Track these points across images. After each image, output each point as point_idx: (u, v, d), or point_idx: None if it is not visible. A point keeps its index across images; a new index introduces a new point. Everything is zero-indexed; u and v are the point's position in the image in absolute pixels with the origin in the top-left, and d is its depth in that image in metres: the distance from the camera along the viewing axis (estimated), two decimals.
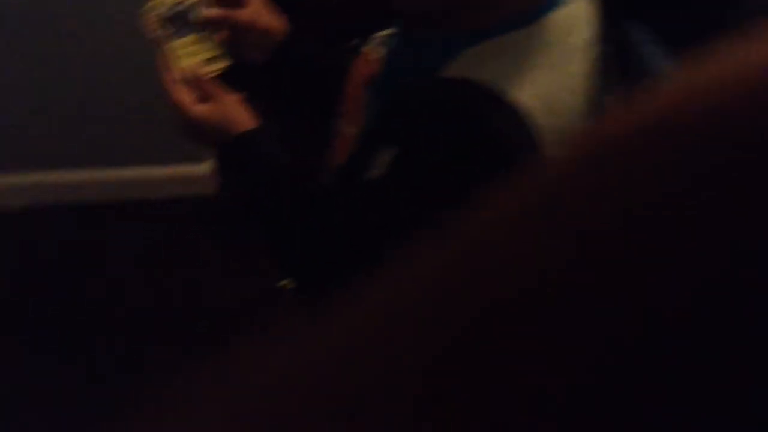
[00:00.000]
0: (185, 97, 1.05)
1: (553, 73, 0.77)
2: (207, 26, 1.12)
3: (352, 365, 0.25)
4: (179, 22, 1.11)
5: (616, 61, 0.82)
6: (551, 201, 0.24)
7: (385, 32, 0.99)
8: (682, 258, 0.21)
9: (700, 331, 0.21)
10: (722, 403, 0.21)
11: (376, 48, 1.00)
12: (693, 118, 0.22)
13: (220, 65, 1.12)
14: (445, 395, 0.23)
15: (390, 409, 0.24)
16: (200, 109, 1.04)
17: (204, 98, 1.06)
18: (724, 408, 0.21)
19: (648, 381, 0.21)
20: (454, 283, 0.25)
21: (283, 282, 1.10)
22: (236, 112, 1.05)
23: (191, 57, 1.11)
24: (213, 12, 1.11)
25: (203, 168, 2.32)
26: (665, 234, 0.21)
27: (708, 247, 0.21)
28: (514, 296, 0.23)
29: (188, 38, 1.11)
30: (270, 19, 1.14)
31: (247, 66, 1.15)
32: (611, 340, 0.21)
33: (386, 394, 0.24)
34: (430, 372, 0.24)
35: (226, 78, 1.10)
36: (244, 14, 1.13)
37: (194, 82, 1.07)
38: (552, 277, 0.23)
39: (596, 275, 0.22)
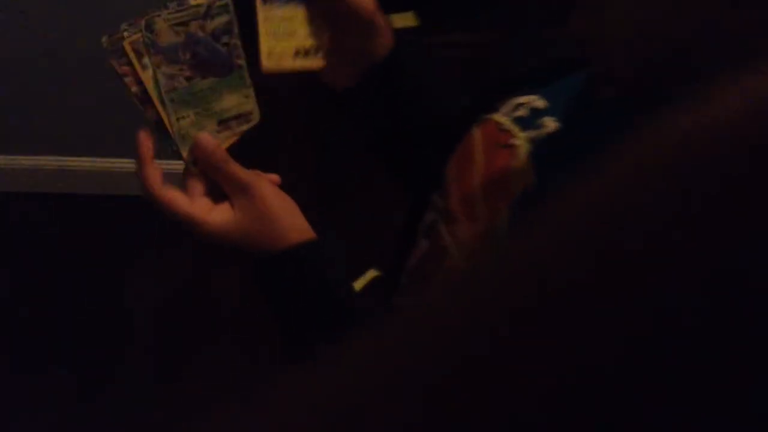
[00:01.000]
0: (197, 207, 0.70)
1: None
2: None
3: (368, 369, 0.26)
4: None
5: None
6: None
7: (536, 101, 0.64)
8: (682, 259, 0.21)
9: (700, 330, 0.21)
10: (722, 403, 0.21)
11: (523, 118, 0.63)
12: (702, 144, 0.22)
13: (253, 118, 0.75)
14: (448, 396, 0.23)
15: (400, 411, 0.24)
16: (217, 218, 0.70)
17: (216, 190, 0.72)
18: (724, 408, 0.21)
19: (648, 381, 0.21)
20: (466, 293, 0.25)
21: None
22: (280, 218, 0.71)
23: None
24: None
25: None
26: (666, 235, 0.21)
27: (707, 248, 0.21)
28: (516, 297, 0.23)
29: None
30: (384, 19, 0.78)
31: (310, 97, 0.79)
32: (611, 341, 0.21)
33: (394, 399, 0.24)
34: (434, 373, 0.24)
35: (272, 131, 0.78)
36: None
37: (206, 160, 0.71)
38: (554, 278, 0.22)
39: (596, 276, 0.22)
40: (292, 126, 0.84)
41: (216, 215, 0.71)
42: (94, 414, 1.73)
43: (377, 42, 0.77)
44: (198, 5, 0.71)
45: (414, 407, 0.24)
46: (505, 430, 0.23)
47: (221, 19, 0.72)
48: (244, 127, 0.76)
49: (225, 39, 0.73)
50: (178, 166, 0.73)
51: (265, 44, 0.75)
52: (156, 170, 0.71)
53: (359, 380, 0.27)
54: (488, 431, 0.23)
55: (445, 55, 1.00)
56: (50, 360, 1.86)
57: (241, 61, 0.74)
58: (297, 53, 0.76)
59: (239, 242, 0.70)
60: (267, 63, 0.75)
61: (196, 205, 0.71)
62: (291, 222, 0.71)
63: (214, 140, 0.72)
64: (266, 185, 0.72)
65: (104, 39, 0.69)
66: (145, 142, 0.71)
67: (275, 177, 0.75)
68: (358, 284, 0.84)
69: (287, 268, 0.70)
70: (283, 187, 0.74)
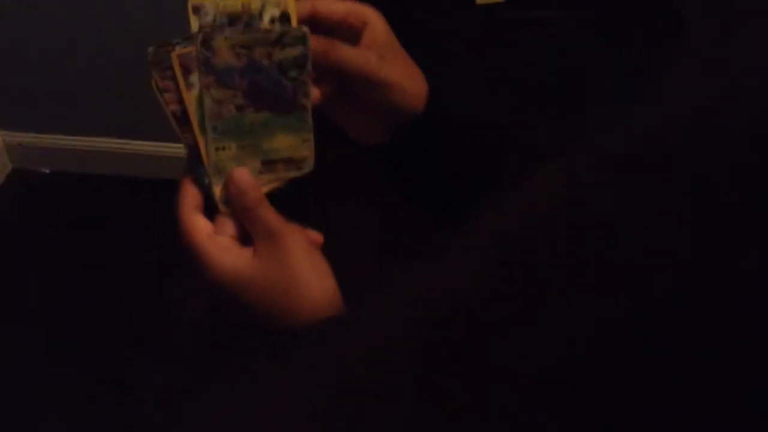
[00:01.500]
0: (215, 242, 0.61)
1: None
2: (300, 63, 0.62)
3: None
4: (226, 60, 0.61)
5: None
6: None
7: None
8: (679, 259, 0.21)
9: (699, 331, 0.21)
10: (722, 403, 0.21)
11: None
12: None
13: (306, 166, 0.65)
14: (442, 394, 0.24)
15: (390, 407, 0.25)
16: (231, 260, 0.60)
17: (246, 238, 0.62)
18: (724, 408, 0.21)
19: (647, 381, 0.21)
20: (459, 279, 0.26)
21: None
22: (304, 279, 0.60)
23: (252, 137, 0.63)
24: (316, 40, 0.63)
25: None
26: (664, 236, 0.22)
27: (705, 250, 0.21)
28: (514, 294, 0.24)
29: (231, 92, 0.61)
30: (405, 71, 0.66)
31: (346, 157, 0.71)
32: (611, 341, 0.22)
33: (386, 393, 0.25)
34: (427, 371, 0.24)
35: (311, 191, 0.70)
36: (364, 58, 0.64)
37: (238, 198, 0.62)
38: (553, 276, 0.23)
39: (596, 275, 0.22)
40: (343, 180, 0.74)
41: (231, 257, 0.60)
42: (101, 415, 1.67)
43: (400, 97, 0.66)
44: (269, 30, 0.62)
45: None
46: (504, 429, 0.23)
47: (293, 51, 0.63)
48: (293, 174, 0.65)
49: (293, 73, 0.63)
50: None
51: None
52: (190, 190, 0.62)
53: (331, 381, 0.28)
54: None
55: (529, 35, 0.86)
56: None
57: (307, 102, 0.64)
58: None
59: (248, 295, 0.60)
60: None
61: (215, 241, 0.61)
62: (316, 286, 0.60)
63: (252, 179, 0.63)
64: (298, 238, 0.61)
65: (150, 49, 0.60)
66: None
67: (317, 236, 0.65)
68: None
69: (304, 344, 0.57)
70: (327, 248, 0.63)
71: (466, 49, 0.86)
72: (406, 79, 0.66)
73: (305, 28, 0.62)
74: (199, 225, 0.61)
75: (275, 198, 0.64)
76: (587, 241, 0.24)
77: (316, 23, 0.64)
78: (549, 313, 0.23)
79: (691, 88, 0.26)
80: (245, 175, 0.62)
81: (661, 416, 0.21)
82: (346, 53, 0.64)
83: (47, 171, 2.24)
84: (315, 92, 0.65)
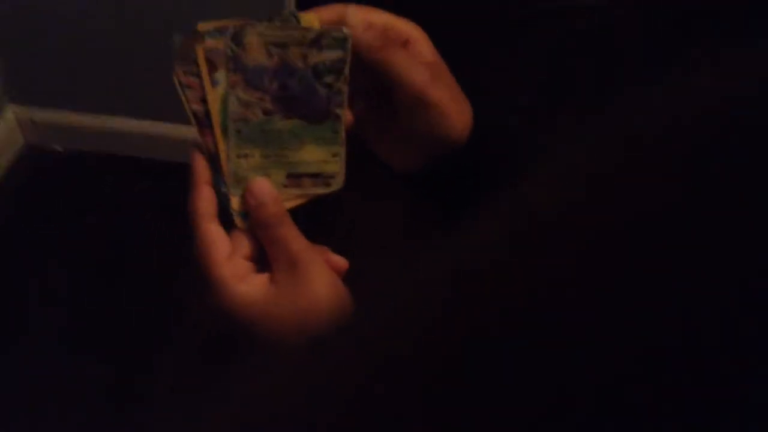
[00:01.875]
0: (232, 266, 0.55)
1: None
2: (336, 74, 0.56)
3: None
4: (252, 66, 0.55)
5: None
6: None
7: None
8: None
9: (699, 331, 0.21)
10: (722, 403, 0.20)
11: None
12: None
13: (335, 183, 0.60)
14: (441, 401, 0.24)
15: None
16: (246, 289, 0.54)
17: (264, 259, 0.57)
18: (724, 408, 0.20)
19: (648, 380, 0.21)
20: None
21: None
22: (323, 312, 0.54)
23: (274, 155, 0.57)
24: (371, 33, 0.57)
25: None
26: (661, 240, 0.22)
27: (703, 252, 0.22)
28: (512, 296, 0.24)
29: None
30: (453, 96, 0.60)
31: (385, 183, 0.64)
32: (611, 341, 0.22)
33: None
34: (426, 372, 0.25)
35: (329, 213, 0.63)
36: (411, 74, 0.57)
37: (258, 212, 0.56)
38: (553, 276, 0.24)
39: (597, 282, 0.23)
40: (372, 199, 0.67)
41: (245, 287, 0.54)
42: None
43: (445, 124, 0.59)
44: (307, 29, 0.56)
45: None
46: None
47: (331, 54, 0.56)
48: (320, 191, 0.59)
49: (329, 79, 0.57)
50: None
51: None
52: (209, 195, 0.56)
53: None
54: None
55: (559, 25, 0.79)
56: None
57: (341, 112, 0.58)
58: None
59: (257, 327, 0.54)
60: (260, 191, 0.58)
61: (232, 265, 0.55)
62: (337, 320, 0.53)
63: (274, 191, 0.57)
64: (321, 267, 0.55)
65: (176, 38, 0.54)
66: (200, 161, 0.57)
67: (341, 261, 0.58)
68: None
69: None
70: (349, 277, 0.57)
71: (508, 66, 0.80)
72: (453, 104, 0.59)
73: (347, 31, 0.56)
74: (217, 242, 0.55)
75: (297, 215, 0.58)
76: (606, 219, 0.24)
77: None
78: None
79: (701, 86, 0.26)
80: (266, 186, 0.57)
81: (661, 416, 0.21)
82: (401, 57, 0.56)
83: (60, 149, 2.19)
84: (347, 114, 0.59)
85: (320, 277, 0.54)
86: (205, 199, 0.56)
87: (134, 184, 2.12)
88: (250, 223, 0.57)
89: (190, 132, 0.57)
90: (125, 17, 1.91)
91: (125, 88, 2.06)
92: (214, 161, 0.57)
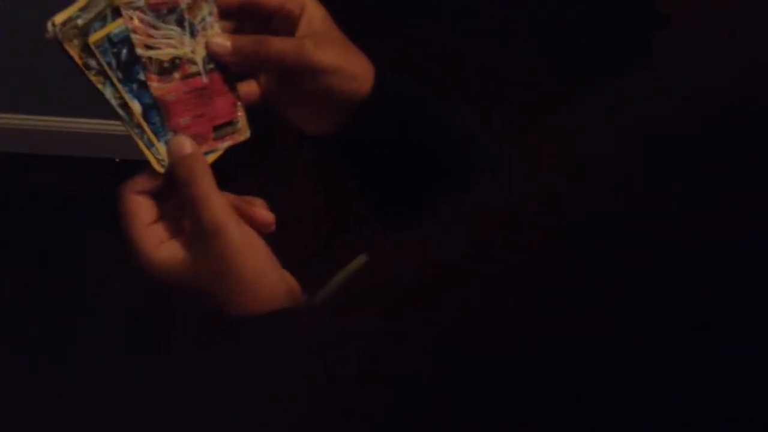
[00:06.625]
0: (150, 233, 0.57)
1: None
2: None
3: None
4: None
5: None
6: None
7: None
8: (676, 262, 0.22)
9: (698, 332, 0.21)
10: (722, 404, 0.20)
11: None
12: None
13: (233, 139, 0.63)
14: (433, 401, 0.24)
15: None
16: (163, 256, 0.57)
17: (179, 229, 0.58)
18: (724, 408, 0.20)
19: (647, 381, 0.21)
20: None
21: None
22: (251, 270, 0.56)
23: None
24: (244, 41, 0.62)
25: None
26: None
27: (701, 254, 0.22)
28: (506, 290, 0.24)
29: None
30: (343, 55, 0.64)
31: (294, 146, 0.69)
32: (610, 341, 0.21)
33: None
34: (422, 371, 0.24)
35: (243, 172, 0.68)
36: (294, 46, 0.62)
37: (180, 169, 0.58)
38: (544, 275, 0.23)
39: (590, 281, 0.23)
40: (288, 165, 0.70)
41: (163, 253, 0.57)
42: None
43: (338, 81, 0.63)
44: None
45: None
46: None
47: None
48: (235, 139, 0.63)
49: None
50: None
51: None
52: (146, 175, 0.59)
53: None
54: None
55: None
56: None
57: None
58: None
59: (179, 290, 0.57)
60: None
61: (151, 232, 0.57)
62: (268, 274, 0.57)
63: (187, 149, 0.59)
64: (235, 227, 0.56)
65: (49, 28, 0.56)
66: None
67: (268, 216, 0.60)
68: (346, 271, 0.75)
69: (244, 338, 0.54)
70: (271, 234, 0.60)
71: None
72: (344, 62, 0.63)
73: None
74: (138, 211, 0.57)
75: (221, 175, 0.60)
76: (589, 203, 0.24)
77: (253, 11, 0.62)
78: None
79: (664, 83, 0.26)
80: (177, 144, 0.59)
81: (661, 415, 0.21)
82: (276, 46, 0.62)
83: None
84: (252, 87, 0.64)
85: (234, 238, 0.55)
86: (139, 176, 0.59)
87: (49, 180, 2.10)
88: (169, 173, 0.59)
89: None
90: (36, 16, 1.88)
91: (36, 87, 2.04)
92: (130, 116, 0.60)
